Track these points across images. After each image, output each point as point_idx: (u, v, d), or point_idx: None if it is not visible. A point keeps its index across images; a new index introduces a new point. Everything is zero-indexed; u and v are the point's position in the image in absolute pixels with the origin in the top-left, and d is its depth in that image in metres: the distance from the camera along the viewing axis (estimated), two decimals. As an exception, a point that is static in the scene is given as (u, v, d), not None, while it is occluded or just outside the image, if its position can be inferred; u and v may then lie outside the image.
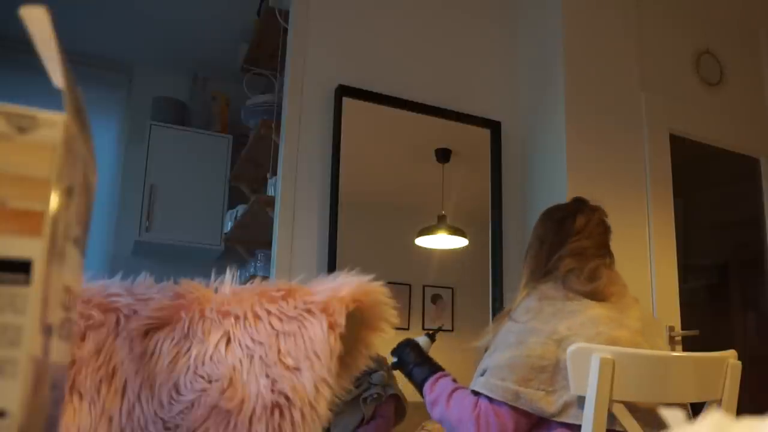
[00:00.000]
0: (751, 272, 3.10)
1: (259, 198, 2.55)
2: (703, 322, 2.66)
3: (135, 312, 0.57)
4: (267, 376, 0.55)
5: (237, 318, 0.57)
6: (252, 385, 0.54)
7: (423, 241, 2.36)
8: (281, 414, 0.54)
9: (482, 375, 1.32)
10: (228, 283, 0.61)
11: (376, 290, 0.61)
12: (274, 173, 2.36)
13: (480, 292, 2.40)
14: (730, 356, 1.31)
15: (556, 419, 1.22)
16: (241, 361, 0.55)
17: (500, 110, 2.59)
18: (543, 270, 1.44)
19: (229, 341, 0.56)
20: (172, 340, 0.56)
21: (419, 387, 1.47)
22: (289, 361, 0.56)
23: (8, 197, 0.25)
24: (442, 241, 2.38)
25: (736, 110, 2.95)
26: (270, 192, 2.48)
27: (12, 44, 2.96)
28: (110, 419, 0.54)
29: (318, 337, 0.56)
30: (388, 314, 0.63)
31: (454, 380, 1.44)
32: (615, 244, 2.41)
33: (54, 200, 0.26)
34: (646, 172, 2.56)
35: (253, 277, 2.72)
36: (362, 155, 2.31)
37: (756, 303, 3.11)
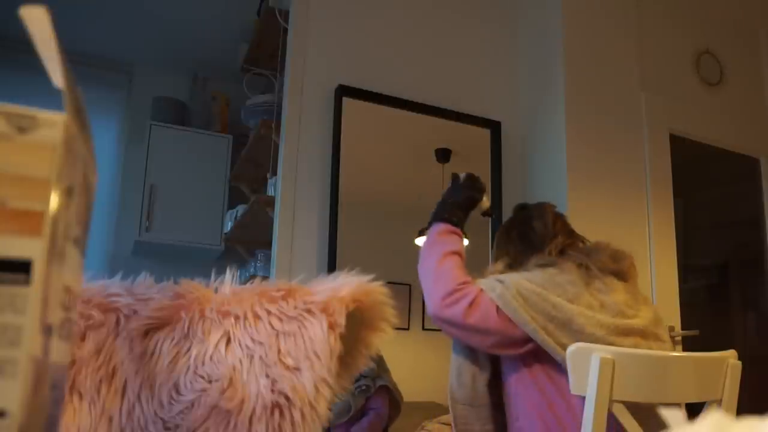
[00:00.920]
0: (751, 272, 3.10)
1: (259, 198, 2.55)
2: (703, 322, 2.66)
3: (135, 312, 0.57)
4: (267, 376, 0.55)
5: (237, 318, 0.57)
6: (252, 385, 0.54)
7: (423, 241, 2.36)
8: (281, 414, 0.54)
9: (496, 283, 1.26)
10: (228, 283, 0.61)
11: (376, 290, 0.61)
12: (274, 173, 2.36)
13: (480, 292, 2.39)
14: (730, 356, 1.31)
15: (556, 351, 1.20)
16: (241, 361, 0.55)
17: (500, 110, 2.59)
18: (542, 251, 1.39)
19: (229, 341, 0.56)
20: (172, 340, 0.56)
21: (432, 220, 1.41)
22: (289, 361, 0.56)
23: (8, 197, 0.25)
24: (442, 241, 2.38)
25: (736, 110, 2.95)
26: (270, 192, 2.47)
27: (12, 44, 2.96)
28: (110, 419, 0.54)
29: (318, 337, 0.56)
30: (388, 314, 0.63)
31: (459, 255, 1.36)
32: (615, 244, 2.42)
33: (54, 200, 0.26)
34: (646, 172, 2.56)
35: (253, 277, 2.72)
36: (362, 155, 2.31)
37: (756, 303, 3.11)
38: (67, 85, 0.27)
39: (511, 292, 1.22)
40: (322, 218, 2.17)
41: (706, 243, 3.07)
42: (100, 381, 0.55)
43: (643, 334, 1.27)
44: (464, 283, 1.25)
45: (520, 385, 1.29)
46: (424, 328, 2.27)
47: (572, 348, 1.18)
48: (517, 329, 1.22)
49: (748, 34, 3.13)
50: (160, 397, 0.54)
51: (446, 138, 2.45)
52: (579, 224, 2.35)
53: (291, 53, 2.30)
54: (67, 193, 0.27)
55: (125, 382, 0.55)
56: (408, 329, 2.25)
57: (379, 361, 1.86)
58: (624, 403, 1.17)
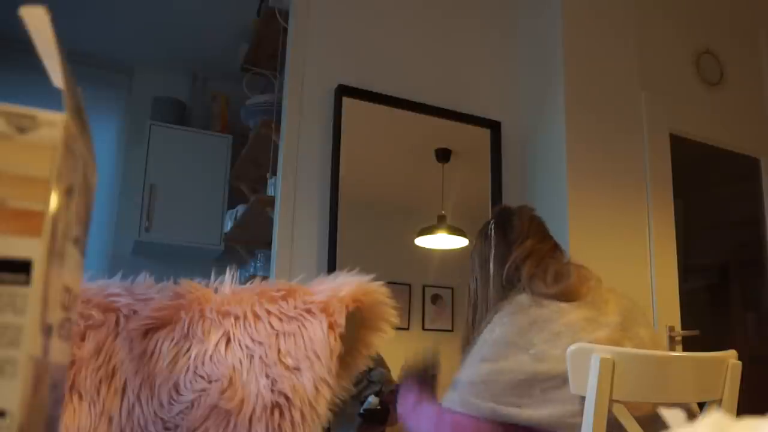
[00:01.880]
0: (751, 272, 3.10)
1: (259, 198, 2.55)
2: (703, 322, 2.66)
3: (135, 312, 0.57)
4: (267, 376, 0.55)
5: (237, 318, 0.57)
6: (252, 385, 0.54)
7: (423, 241, 2.36)
8: (281, 414, 0.54)
9: (455, 389, 1.30)
10: (228, 283, 0.61)
11: (376, 290, 0.61)
12: (274, 173, 2.36)
13: (480, 292, 2.39)
14: (730, 356, 1.31)
15: (534, 425, 1.21)
16: (241, 361, 0.55)
17: (500, 110, 2.59)
18: (501, 286, 1.40)
19: (229, 341, 0.56)
20: (172, 340, 0.56)
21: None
22: (289, 361, 0.56)
23: (8, 197, 0.25)
24: (442, 241, 2.38)
25: (736, 110, 2.95)
26: (270, 192, 2.47)
27: (12, 44, 2.96)
28: (110, 419, 0.54)
29: (318, 337, 0.56)
30: (388, 314, 0.63)
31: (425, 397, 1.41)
32: (615, 244, 2.43)
33: (54, 200, 0.26)
34: (646, 172, 2.56)
35: (253, 277, 2.72)
36: (362, 155, 2.31)
37: (756, 303, 3.11)
38: (67, 85, 0.27)
39: (466, 391, 1.26)
40: (322, 218, 2.17)
41: (706, 243, 3.07)
42: (100, 381, 0.55)
43: (612, 341, 1.24)
44: (433, 422, 1.30)
45: None
46: (424, 328, 2.27)
47: (572, 348, 1.18)
48: (487, 419, 1.24)
49: (748, 34, 3.13)
50: (159, 397, 0.54)
51: (446, 138, 2.45)
52: (579, 224, 2.36)
53: (291, 53, 2.30)
54: (67, 193, 0.27)
55: (125, 382, 0.55)
56: (408, 329, 2.25)
57: (380, 361, 1.86)
58: (624, 403, 1.17)
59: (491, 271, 1.44)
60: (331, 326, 0.57)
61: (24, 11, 0.25)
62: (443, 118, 2.43)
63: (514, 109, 2.64)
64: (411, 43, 2.50)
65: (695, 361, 1.29)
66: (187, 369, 0.54)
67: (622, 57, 2.63)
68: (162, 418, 0.54)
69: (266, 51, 2.73)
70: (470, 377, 1.28)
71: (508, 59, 2.69)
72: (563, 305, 1.30)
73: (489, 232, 1.49)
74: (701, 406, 1.30)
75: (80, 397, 0.54)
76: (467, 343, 1.42)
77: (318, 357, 0.56)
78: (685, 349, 2.47)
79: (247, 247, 3.07)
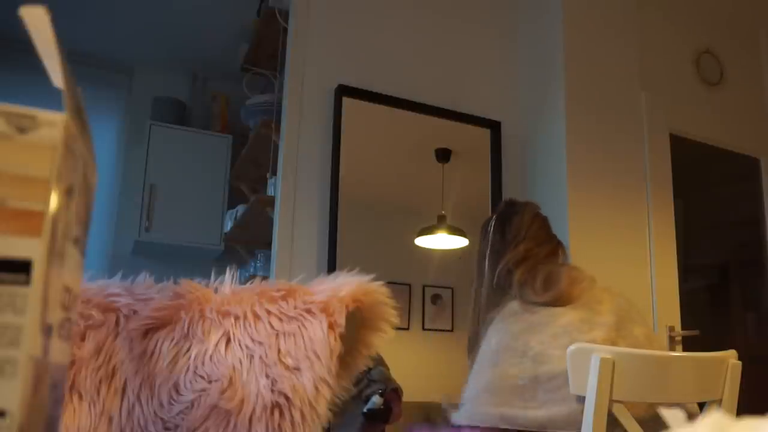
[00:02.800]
0: (751, 272, 3.10)
1: (259, 198, 2.55)
2: (703, 322, 2.66)
3: (135, 312, 0.57)
4: (267, 376, 0.55)
5: (237, 318, 0.57)
6: (252, 385, 0.54)
7: (423, 241, 2.36)
8: (281, 414, 0.54)
9: (462, 405, 1.31)
10: (228, 283, 0.61)
11: (376, 290, 0.61)
12: (274, 173, 2.36)
13: (480, 292, 2.39)
14: (730, 356, 1.31)
15: (542, 427, 1.21)
16: (241, 361, 0.55)
17: (500, 110, 2.59)
18: (492, 288, 1.40)
19: (229, 341, 0.56)
20: (172, 340, 0.56)
21: None
22: (289, 361, 0.56)
23: (8, 197, 0.25)
24: (442, 241, 2.38)
25: (736, 110, 2.95)
26: (270, 192, 2.47)
27: (12, 44, 2.96)
28: (110, 419, 0.54)
29: (318, 337, 0.56)
30: (388, 314, 0.63)
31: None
32: (615, 245, 2.43)
33: (54, 200, 0.26)
34: (646, 172, 2.56)
35: (253, 277, 2.72)
36: (362, 155, 2.31)
37: (756, 303, 3.11)
38: (67, 85, 0.27)
39: (473, 404, 1.27)
40: (322, 218, 2.17)
41: (706, 243, 3.07)
42: (100, 381, 0.55)
43: (607, 341, 1.24)
44: None
45: None
46: (424, 328, 2.27)
47: (572, 348, 1.18)
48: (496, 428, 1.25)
49: (748, 34, 3.13)
50: (159, 397, 0.54)
51: (446, 138, 2.45)
52: (579, 224, 2.36)
53: (291, 53, 2.30)
54: (67, 193, 0.27)
55: (125, 382, 0.55)
56: (408, 329, 2.25)
57: (380, 360, 1.86)
58: (624, 403, 1.17)
59: (486, 269, 1.43)
60: (331, 326, 0.57)
61: (24, 11, 0.25)
62: (443, 118, 2.43)
63: (514, 109, 2.64)
64: (411, 43, 2.49)
65: (695, 361, 1.29)
66: (187, 369, 0.54)
67: (622, 57, 2.63)
68: (162, 418, 0.54)
69: (266, 51, 2.73)
70: (475, 389, 1.29)
71: (508, 59, 2.69)
72: (556, 309, 1.30)
73: (489, 228, 1.49)
74: (701, 406, 1.30)
75: (80, 397, 0.54)
76: (473, 342, 1.42)
77: (318, 357, 0.56)
78: (685, 349, 2.47)
79: (247, 247, 3.07)
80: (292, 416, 0.54)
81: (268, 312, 0.58)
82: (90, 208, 0.32)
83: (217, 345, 0.56)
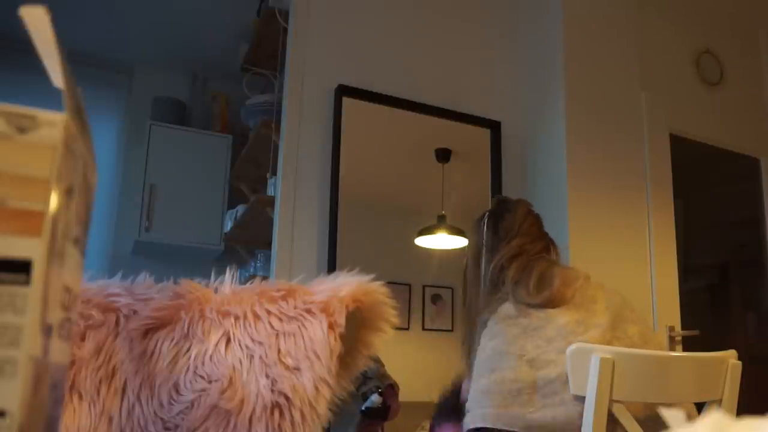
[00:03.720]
0: (751, 272, 3.10)
1: (259, 198, 2.55)
2: (703, 322, 2.66)
3: (135, 312, 0.57)
4: (267, 376, 0.55)
5: (237, 318, 0.57)
6: (252, 385, 0.54)
7: (423, 241, 2.36)
8: (281, 414, 0.54)
9: (466, 414, 1.31)
10: (228, 283, 0.61)
11: (376, 290, 0.61)
12: (274, 173, 2.36)
13: (480, 292, 2.39)
14: (730, 356, 1.31)
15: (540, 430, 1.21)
16: (241, 361, 0.55)
17: (500, 110, 2.59)
18: (488, 288, 1.39)
19: (229, 341, 0.56)
20: (172, 340, 0.56)
21: None
22: (289, 361, 0.56)
23: (8, 197, 0.25)
24: (442, 241, 2.38)
25: (736, 110, 2.95)
26: (270, 192, 2.47)
27: (12, 44, 2.96)
28: (110, 419, 0.54)
29: (318, 337, 0.56)
30: (388, 314, 0.63)
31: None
32: (615, 244, 2.43)
33: (54, 200, 0.26)
34: (646, 172, 2.56)
35: (253, 277, 2.72)
36: (362, 155, 2.31)
37: (756, 303, 3.11)
38: (67, 85, 0.27)
39: (473, 407, 1.27)
40: (322, 218, 2.17)
41: (706, 243, 3.07)
42: (100, 381, 0.55)
43: (603, 342, 1.23)
44: None
45: None
46: (424, 328, 2.27)
47: (572, 348, 1.18)
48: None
49: (748, 34, 3.13)
50: (159, 397, 0.54)
51: (446, 138, 2.45)
52: (579, 224, 2.36)
53: (291, 53, 2.30)
54: (67, 193, 0.27)
55: (125, 382, 0.55)
56: (408, 329, 2.25)
57: (375, 357, 1.86)
58: (624, 403, 1.17)
59: (481, 269, 1.43)
60: (331, 326, 0.57)
61: (24, 11, 0.25)
62: (443, 118, 2.43)
63: (514, 109, 2.64)
64: (411, 43, 2.49)
65: (695, 361, 1.29)
66: (187, 369, 0.54)
67: (622, 57, 2.63)
68: (162, 418, 0.54)
69: (266, 51, 2.73)
70: (474, 394, 1.29)
71: (508, 59, 2.69)
72: (550, 311, 1.29)
73: (482, 225, 1.48)
74: (701, 405, 1.30)
75: (80, 397, 0.54)
76: (470, 342, 1.42)
77: (318, 357, 0.56)
78: (685, 349, 2.47)
79: (247, 247, 3.07)
80: (292, 416, 0.54)
81: (268, 312, 0.58)
82: (90, 208, 0.32)
83: (217, 345, 0.56)
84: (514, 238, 1.41)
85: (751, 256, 3.05)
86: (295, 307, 0.58)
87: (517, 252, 1.39)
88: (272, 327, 0.57)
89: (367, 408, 1.83)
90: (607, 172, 2.47)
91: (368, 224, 2.29)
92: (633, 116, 2.59)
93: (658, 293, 2.47)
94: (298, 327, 0.57)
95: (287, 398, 0.54)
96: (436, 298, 2.32)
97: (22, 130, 0.26)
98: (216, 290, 0.60)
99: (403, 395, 1.96)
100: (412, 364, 2.20)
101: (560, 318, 1.27)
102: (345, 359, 0.61)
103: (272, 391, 0.54)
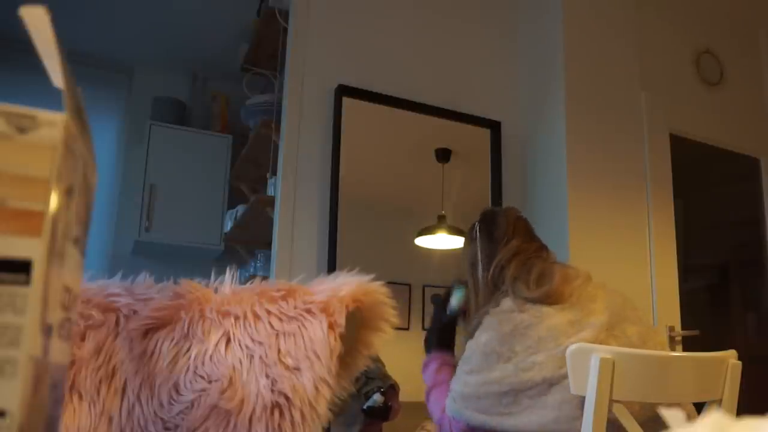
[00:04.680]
0: (751, 272, 3.10)
1: (259, 198, 2.55)
2: (703, 322, 2.66)
3: (135, 312, 0.57)
4: (267, 376, 0.55)
5: (237, 318, 0.57)
6: (252, 385, 0.54)
7: (423, 241, 2.36)
8: (281, 414, 0.54)
9: (453, 399, 1.34)
10: (228, 283, 0.61)
11: (376, 290, 0.61)
12: (274, 173, 2.36)
13: (480, 292, 2.39)
14: (730, 356, 1.31)
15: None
16: (241, 361, 0.55)
17: (500, 110, 2.59)
18: (488, 288, 1.40)
19: (229, 341, 0.56)
20: (172, 340, 0.56)
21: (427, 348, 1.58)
22: (289, 361, 0.56)
23: (8, 197, 0.25)
24: (442, 241, 2.38)
25: (736, 110, 2.95)
26: (270, 192, 2.47)
27: (12, 44, 2.96)
28: (110, 419, 0.54)
29: (318, 337, 0.56)
30: (388, 314, 0.63)
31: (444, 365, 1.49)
32: (615, 244, 2.43)
33: (54, 200, 0.26)
34: (646, 172, 2.56)
35: (253, 277, 2.72)
36: (362, 155, 2.31)
37: (756, 303, 3.11)
38: (67, 85, 0.27)
39: (458, 403, 1.33)
40: (322, 218, 2.17)
41: (706, 243, 3.07)
42: (100, 381, 0.55)
43: (596, 342, 1.23)
44: (440, 419, 1.40)
45: None
46: (424, 328, 2.27)
47: (572, 348, 1.18)
48: (479, 427, 1.30)
49: (748, 34, 3.13)
50: (159, 397, 0.54)
51: (446, 138, 2.45)
52: (579, 224, 2.36)
53: (291, 53, 2.30)
54: (67, 193, 0.27)
55: (125, 382, 0.55)
56: (408, 329, 2.25)
57: (376, 357, 1.86)
58: (624, 403, 1.17)
59: (479, 273, 1.44)
60: (331, 326, 0.57)
61: (24, 11, 0.25)
62: (443, 118, 2.43)
63: (514, 109, 2.64)
64: (411, 43, 2.50)
65: (695, 361, 1.29)
66: (187, 369, 0.54)
67: (622, 57, 2.63)
68: (162, 418, 0.54)
69: (266, 51, 2.73)
70: (461, 389, 1.32)
71: (508, 59, 2.70)
72: (546, 309, 1.29)
73: (474, 234, 1.49)
74: (701, 405, 1.30)
75: (80, 397, 0.54)
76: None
77: (318, 357, 0.56)
78: (685, 349, 2.47)
79: (247, 247, 3.07)
80: (292, 416, 0.54)
81: (268, 312, 0.58)
82: (90, 208, 0.32)
83: (217, 345, 0.56)
84: (512, 240, 1.43)
85: (751, 256, 3.06)
86: (295, 307, 0.58)
87: (516, 251, 1.40)
88: (272, 327, 0.57)
89: (368, 407, 1.83)
90: (607, 172, 2.47)
91: (368, 224, 2.29)
92: (633, 116, 2.60)
93: (658, 293, 2.47)
94: (298, 327, 0.57)
95: (287, 398, 0.54)
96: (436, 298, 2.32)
97: (22, 130, 0.26)
98: (216, 290, 0.60)
99: (403, 395, 1.96)
100: (412, 364, 2.19)
101: (554, 318, 1.28)
102: (345, 359, 0.61)
103: (272, 391, 0.54)
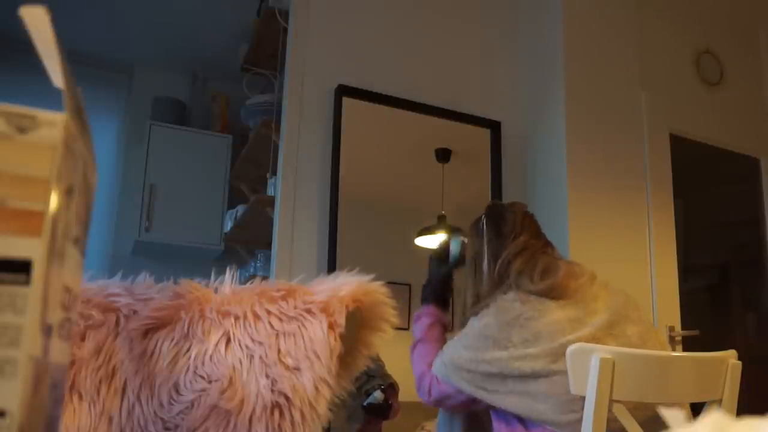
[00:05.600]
0: (751, 272, 3.10)
1: (259, 198, 2.55)
2: (703, 322, 2.66)
3: (135, 312, 0.57)
4: (267, 376, 0.55)
5: (237, 318, 0.57)
6: (252, 385, 0.54)
7: (423, 241, 2.36)
8: (281, 414, 0.54)
9: (442, 361, 1.38)
10: (228, 283, 0.61)
11: (376, 290, 0.61)
12: (274, 173, 2.36)
13: (480, 292, 2.39)
14: (730, 356, 1.31)
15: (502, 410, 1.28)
16: (241, 361, 0.55)
17: (500, 110, 2.59)
18: (493, 282, 1.41)
19: (229, 341, 0.56)
20: (172, 340, 0.56)
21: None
22: (289, 361, 0.56)
23: (8, 197, 0.25)
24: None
25: (736, 110, 2.95)
26: (270, 192, 2.47)
27: (12, 44, 2.96)
28: (110, 419, 0.54)
29: (318, 337, 0.56)
30: (388, 314, 0.63)
31: (434, 324, 1.56)
32: (615, 244, 2.43)
33: (54, 200, 0.26)
34: (646, 172, 2.56)
35: (253, 277, 2.72)
36: (362, 155, 2.31)
37: (756, 303, 3.11)
38: (67, 85, 0.27)
39: (448, 368, 1.36)
40: (322, 218, 2.17)
41: (706, 243, 3.07)
42: (100, 381, 0.55)
43: (593, 340, 1.23)
44: (423, 372, 1.44)
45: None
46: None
47: (572, 348, 1.18)
48: (463, 392, 1.33)
49: (748, 34, 3.13)
50: (159, 397, 0.54)
51: (446, 138, 2.45)
52: (579, 224, 2.36)
53: (291, 53, 2.30)
54: (67, 193, 0.27)
55: (125, 382, 0.55)
56: (408, 329, 2.24)
57: (376, 356, 1.87)
58: (624, 403, 1.17)
59: (484, 266, 1.44)
60: (331, 326, 0.57)
61: (24, 11, 0.25)
62: (443, 118, 2.43)
63: (514, 109, 2.64)
64: (411, 43, 2.50)
65: (695, 361, 1.29)
66: (187, 369, 0.54)
67: (622, 57, 2.63)
68: (162, 418, 0.54)
69: (266, 51, 2.73)
70: (453, 358, 1.35)
71: (508, 59, 2.70)
72: (548, 303, 1.29)
73: (481, 227, 1.49)
74: (701, 406, 1.30)
75: (80, 397, 0.54)
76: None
77: (318, 357, 0.56)
78: (685, 349, 2.47)
79: (247, 247, 3.07)
80: (292, 416, 0.54)
81: (268, 312, 0.58)
82: (90, 208, 0.32)
83: (217, 345, 0.56)
84: (520, 235, 1.43)
85: (751, 256, 3.05)
86: (295, 307, 0.58)
87: (523, 247, 1.41)
88: (272, 327, 0.57)
89: (369, 404, 1.83)
90: (607, 172, 2.47)
91: (368, 224, 2.29)
92: (633, 116, 2.60)
93: (658, 293, 2.47)
94: (298, 327, 0.57)
95: (287, 398, 0.54)
96: (436, 298, 2.32)
97: (22, 130, 0.26)
98: (216, 290, 0.60)
99: (403, 395, 1.96)
100: (412, 364, 2.19)
101: (555, 313, 1.28)
102: (345, 359, 0.61)
103: (272, 391, 0.54)
